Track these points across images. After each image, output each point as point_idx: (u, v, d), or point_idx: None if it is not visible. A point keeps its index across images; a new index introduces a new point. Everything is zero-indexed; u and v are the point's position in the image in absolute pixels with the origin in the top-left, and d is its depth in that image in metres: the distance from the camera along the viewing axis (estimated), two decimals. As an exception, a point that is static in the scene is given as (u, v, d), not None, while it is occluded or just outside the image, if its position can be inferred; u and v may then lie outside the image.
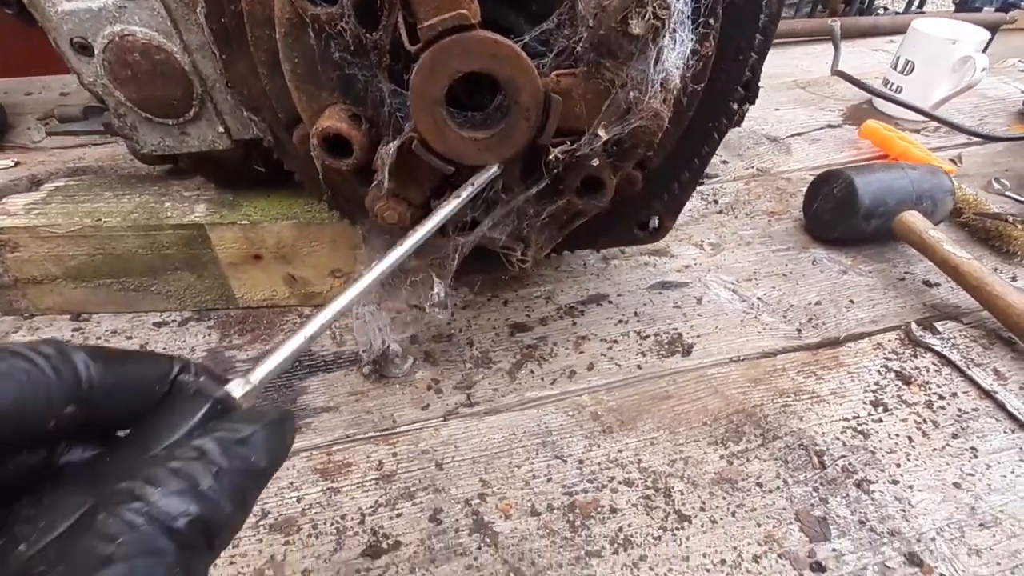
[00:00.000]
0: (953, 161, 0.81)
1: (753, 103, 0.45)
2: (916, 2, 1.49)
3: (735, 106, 0.38)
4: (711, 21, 0.32)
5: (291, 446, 0.19)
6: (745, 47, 0.35)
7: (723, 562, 0.36)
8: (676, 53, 0.31)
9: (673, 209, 0.50)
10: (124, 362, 0.18)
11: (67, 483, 0.16)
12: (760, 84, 0.45)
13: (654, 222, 0.50)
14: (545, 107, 0.30)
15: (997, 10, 1.41)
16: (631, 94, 0.30)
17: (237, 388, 0.18)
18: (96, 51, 0.42)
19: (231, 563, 0.36)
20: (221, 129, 0.46)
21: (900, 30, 1.02)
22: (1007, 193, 0.74)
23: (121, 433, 0.18)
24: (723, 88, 0.37)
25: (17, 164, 0.77)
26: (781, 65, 1.12)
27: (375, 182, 0.33)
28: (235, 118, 0.45)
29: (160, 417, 0.18)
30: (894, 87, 0.91)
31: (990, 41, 1.55)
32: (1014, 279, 0.61)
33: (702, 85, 0.35)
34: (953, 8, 1.47)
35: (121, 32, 0.41)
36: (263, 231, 0.49)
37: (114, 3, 0.40)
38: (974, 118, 0.94)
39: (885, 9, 1.51)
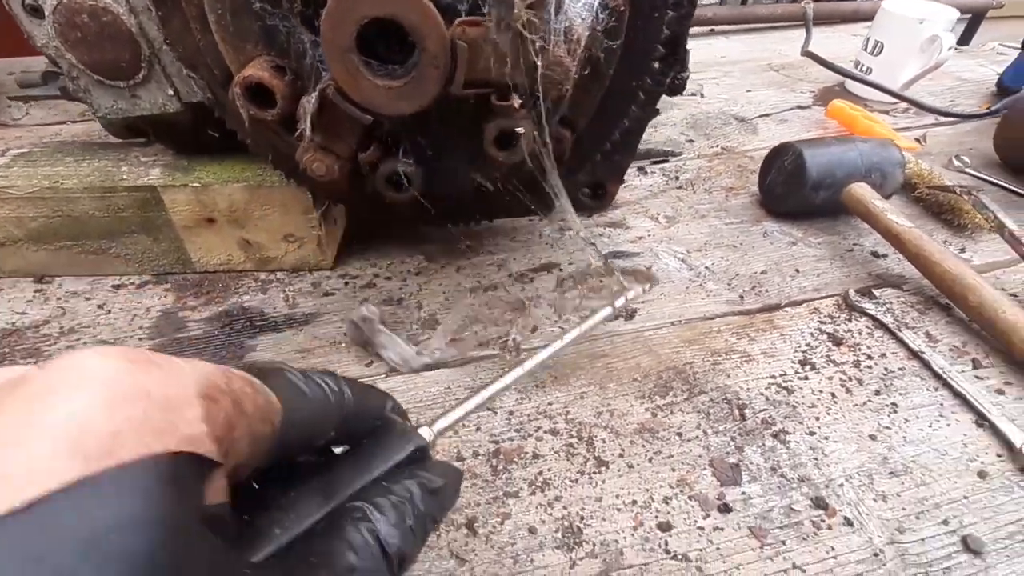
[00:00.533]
0: (918, 140, 0.82)
1: (683, 68, 0.46)
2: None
3: (656, 65, 0.39)
4: (619, -26, 0.33)
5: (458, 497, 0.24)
6: (660, 3, 0.36)
7: (634, 502, 0.37)
8: (581, 4, 0.32)
9: (616, 173, 0.52)
10: (366, 394, 0.23)
11: (299, 478, 0.20)
12: (688, 48, 0.46)
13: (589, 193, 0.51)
14: (453, 56, 0.31)
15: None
16: (536, 43, 0.31)
17: (426, 433, 0.24)
18: (47, 13, 0.43)
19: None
20: (171, 92, 0.48)
21: (877, 13, 1.03)
22: (966, 170, 0.74)
23: (337, 450, 0.22)
24: (642, 46, 0.38)
25: (-7, 139, 0.78)
26: (758, 49, 1.12)
27: (297, 132, 0.35)
28: (183, 80, 0.46)
29: (375, 447, 0.22)
30: (864, 68, 0.92)
31: (976, 27, 1.55)
32: (963, 251, 0.61)
33: (619, 42, 0.37)
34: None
35: (68, -6, 0.42)
36: (215, 194, 0.51)
37: (60, -35, 0.41)
38: (945, 99, 0.95)
39: (870, -5, 1.51)
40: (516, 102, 0.33)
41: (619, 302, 0.44)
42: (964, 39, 1.51)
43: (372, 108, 0.33)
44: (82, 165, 0.53)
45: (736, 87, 0.97)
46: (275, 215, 0.53)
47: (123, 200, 0.51)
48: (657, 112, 0.58)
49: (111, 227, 0.53)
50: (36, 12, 0.43)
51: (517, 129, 0.35)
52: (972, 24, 1.49)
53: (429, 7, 0.29)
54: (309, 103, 0.34)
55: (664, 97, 0.99)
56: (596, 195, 0.53)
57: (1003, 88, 0.93)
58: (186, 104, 0.48)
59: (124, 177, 0.51)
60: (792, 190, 0.62)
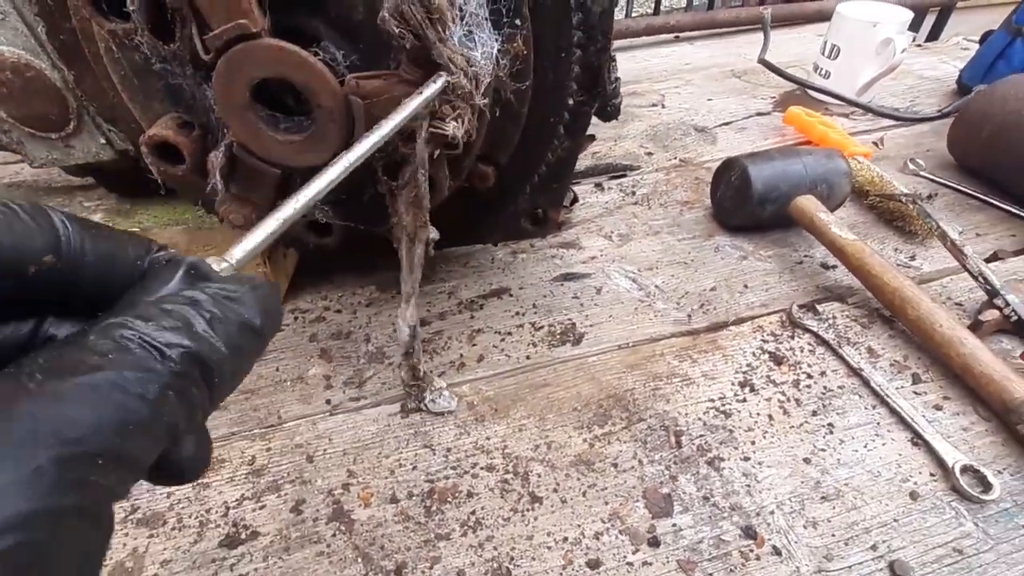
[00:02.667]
0: (875, 143, 0.82)
1: (609, 98, 0.46)
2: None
3: (572, 101, 0.40)
4: (517, 22, 0.33)
5: (282, 314, 0.19)
6: (566, 45, 0.36)
7: (565, 539, 0.38)
8: (480, 52, 0.32)
9: (555, 201, 0.52)
10: (105, 234, 0.18)
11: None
12: (618, 76, 0.46)
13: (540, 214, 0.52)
14: (349, 110, 0.31)
15: (952, -11, 1.40)
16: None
17: (214, 263, 0.18)
18: (-30, 70, 0.43)
19: (94, 556, 0.37)
20: (103, 141, 0.48)
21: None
22: (921, 173, 0.74)
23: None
24: (554, 84, 0.38)
25: (-50, 182, 0.78)
26: (722, 55, 1.13)
27: (208, 186, 0.35)
28: (111, 131, 0.46)
29: (138, 288, 0.17)
30: (823, 72, 0.92)
31: (945, 21, 1.55)
32: (913, 258, 0.62)
33: (528, 83, 0.37)
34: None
35: (-12, 51, 0.42)
36: (155, 236, 0.50)
37: (-22, 25, 0.41)
38: (907, 98, 0.95)
39: (837, -7, 1.51)
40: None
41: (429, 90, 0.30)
42: (934, 33, 1.51)
43: (277, 161, 0.33)
44: (24, 213, 0.53)
45: (697, 95, 0.98)
46: (218, 254, 0.53)
47: (64, 248, 0.51)
48: (592, 139, 0.59)
49: (55, 274, 0.53)
50: (-40, 70, 0.44)
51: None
52: (941, 18, 1.50)
53: (316, 65, 0.29)
54: (217, 158, 0.34)
55: (627, 110, 0.99)
56: (538, 222, 0.53)
57: (962, 86, 0.93)
58: (120, 151, 0.48)
59: (64, 225, 0.51)
60: (740, 205, 0.62)
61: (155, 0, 0.28)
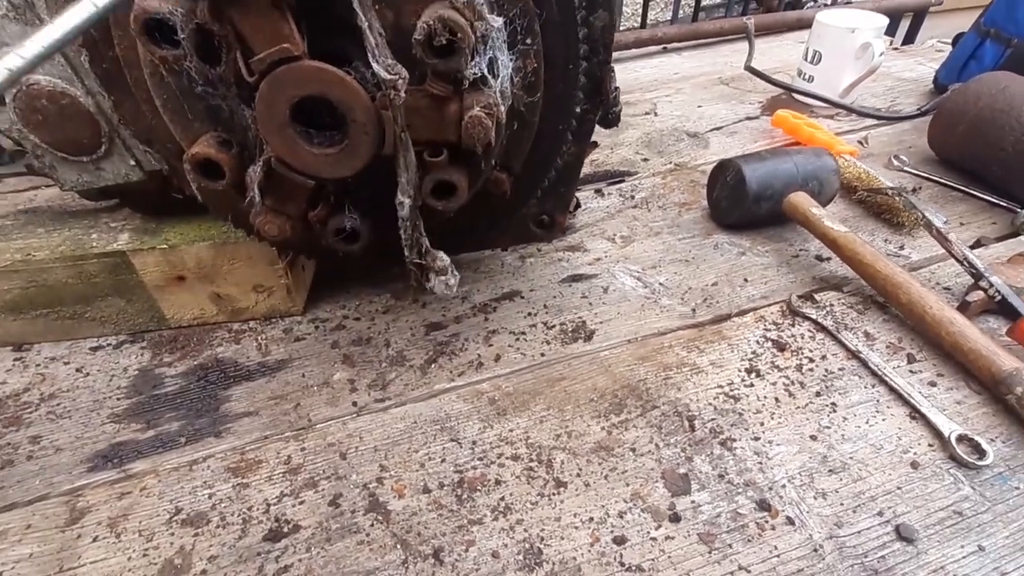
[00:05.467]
0: (860, 142, 0.86)
1: (610, 106, 0.49)
2: (844, -7, 1.54)
3: (579, 109, 0.43)
4: (528, 40, 0.36)
5: None
6: (573, 57, 0.39)
7: (591, 519, 0.40)
8: (500, 71, 0.35)
9: (562, 205, 0.55)
10: None
11: None
12: (617, 86, 0.49)
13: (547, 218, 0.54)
14: (380, 123, 0.34)
15: (925, -6, 1.46)
16: (452, 107, 0.34)
17: None
18: (7, 100, 0.46)
19: (144, 555, 0.39)
20: (132, 162, 0.50)
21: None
22: (905, 168, 0.78)
23: None
24: (562, 95, 0.41)
25: (-31, 209, 0.80)
26: (709, 64, 1.17)
27: (247, 199, 0.37)
28: (142, 152, 0.49)
29: None
30: (807, 76, 0.96)
31: (919, 25, 1.61)
32: (902, 248, 0.65)
33: (539, 95, 0.40)
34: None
35: (28, 82, 0.45)
36: (183, 253, 0.53)
37: (18, 57, 0.44)
38: (887, 99, 0.99)
39: (815, 1, 1.57)
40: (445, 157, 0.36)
41: None
42: (909, 37, 1.57)
43: (313, 173, 0.36)
44: (53, 235, 0.55)
45: (688, 103, 1.01)
46: (242, 268, 0.55)
47: (94, 266, 0.53)
48: (595, 145, 0.62)
49: (85, 292, 0.55)
50: (-2, 100, 0.46)
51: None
52: (915, 22, 1.56)
53: (350, 83, 0.32)
54: (255, 172, 0.36)
55: (621, 119, 1.03)
56: (545, 226, 0.56)
57: (939, 85, 0.98)
58: (148, 172, 0.51)
59: (94, 244, 0.53)
60: (736, 204, 0.65)
61: (203, 29, 0.31)
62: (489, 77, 0.34)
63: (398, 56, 0.33)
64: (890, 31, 1.50)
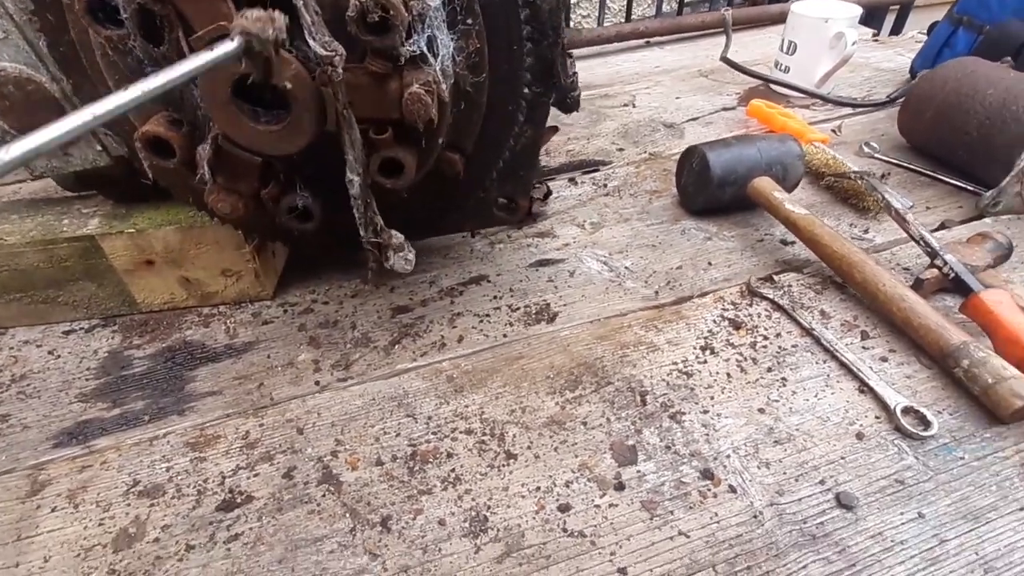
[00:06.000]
0: (834, 131, 0.86)
1: (567, 90, 0.50)
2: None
3: (528, 90, 0.43)
4: (469, 20, 0.37)
5: None
6: (517, 38, 0.40)
7: (538, 489, 0.41)
8: (443, 55, 0.36)
9: (523, 188, 0.56)
10: None
11: None
12: (575, 71, 0.50)
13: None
14: (321, 100, 0.35)
15: (911, -14, 1.46)
16: (392, 84, 0.35)
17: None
18: (-25, 87, 0.47)
19: (100, 524, 0.40)
20: (99, 148, 0.51)
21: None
22: (875, 156, 0.79)
23: None
24: (508, 75, 0.42)
25: (-47, 202, 0.82)
26: (689, 57, 1.18)
27: (197, 176, 0.38)
28: (105, 135, 0.50)
29: None
30: (783, 67, 0.97)
31: (906, 17, 1.61)
32: (867, 231, 0.65)
33: (484, 75, 0.41)
34: (867, -10, 1.53)
35: (-8, 68, 0.46)
36: (150, 237, 0.54)
37: (-17, 44, 0.45)
38: (863, 89, 1.00)
39: (800, -4, 1.58)
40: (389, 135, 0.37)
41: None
42: (896, 29, 1.58)
43: (258, 150, 0.37)
44: (25, 221, 0.56)
45: (666, 95, 1.02)
46: (210, 252, 0.56)
47: (64, 250, 0.54)
48: (555, 130, 0.63)
49: (56, 277, 0.56)
50: (-34, 86, 0.47)
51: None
52: (902, 14, 1.56)
53: (289, 59, 0.33)
54: (205, 150, 0.37)
55: (599, 111, 1.04)
56: (508, 209, 0.57)
57: (915, 74, 0.98)
58: (116, 157, 0.52)
59: (64, 229, 0.54)
60: (701, 189, 0.66)
61: (145, 8, 0.32)
62: (429, 55, 0.35)
63: (338, 35, 0.34)
64: (875, 25, 1.50)
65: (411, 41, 0.34)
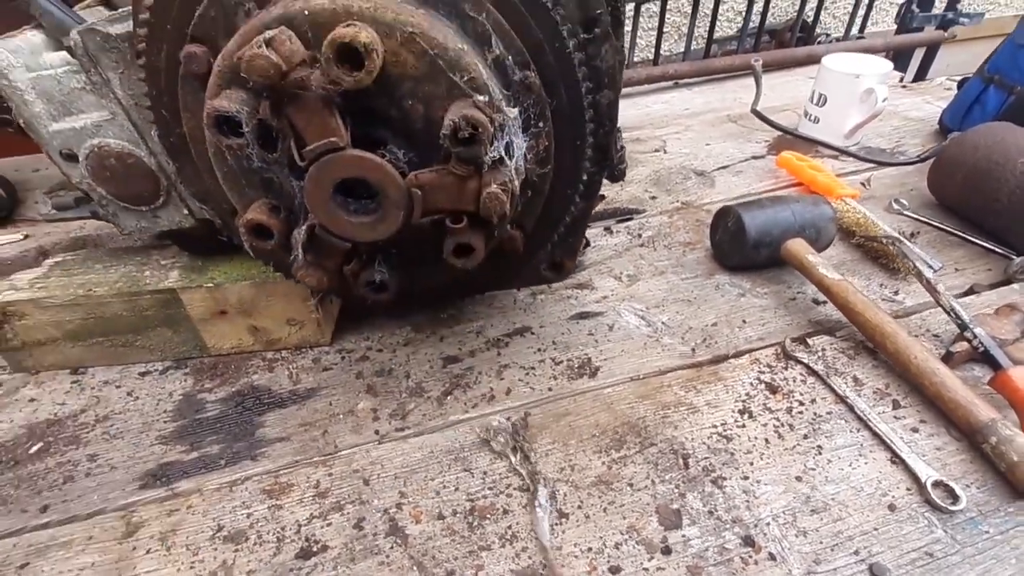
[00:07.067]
0: (863, 184, 0.89)
1: (616, 164, 0.54)
2: (857, 27, 1.58)
3: (586, 176, 0.47)
4: (540, 124, 0.41)
5: None
6: (580, 135, 0.44)
7: (590, 549, 0.44)
8: (517, 156, 0.40)
9: (569, 252, 0.60)
10: None
11: None
12: (623, 145, 0.54)
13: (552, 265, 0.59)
14: (410, 198, 0.39)
15: (936, 28, 1.49)
16: (472, 184, 0.39)
17: None
18: (80, 159, 0.52)
19: (191, 567, 0.44)
20: (186, 212, 0.56)
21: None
22: (905, 212, 0.81)
23: None
24: (570, 165, 0.46)
25: (26, 237, 0.88)
26: (717, 100, 1.21)
27: (292, 256, 0.43)
28: (195, 203, 0.55)
29: None
30: (812, 117, 1.00)
31: (931, 60, 1.63)
32: (896, 293, 0.68)
33: (550, 167, 0.45)
34: (894, 30, 1.56)
35: (99, 144, 0.51)
36: (226, 291, 0.59)
37: (92, 122, 0.50)
38: (892, 139, 1.02)
39: (827, 36, 1.61)
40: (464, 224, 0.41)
41: None
42: (921, 73, 1.60)
43: (349, 238, 0.41)
44: (110, 272, 0.61)
45: (696, 141, 1.06)
46: (278, 304, 0.61)
47: (147, 301, 0.59)
48: (603, 198, 0.66)
49: (137, 324, 0.61)
50: (71, 158, 0.52)
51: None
52: (927, 56, 1.58)
53: (385, 167, 0.37)
54: (299, 234, 0.42)
55: (631, 156, 1.07)
56: (555, 269, 0.60)
57: (943, 126, 1.01)
58: (199, 220, 0.57)
59: (147, 281, 0.59)
60: (736, 249, 0.69)
61: (263, 122, 0.36)
62: (506, 158, 0.39)
63: (427, 140, 0.38)
64: (903, 64, 1.53)
65: (492, 148, 0.38)
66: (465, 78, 0.36)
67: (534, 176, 0.44)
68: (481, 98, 0.36)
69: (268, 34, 0.32)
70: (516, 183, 0.40)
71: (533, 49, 0.39)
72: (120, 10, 0.48)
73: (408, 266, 0.47)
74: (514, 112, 0.38)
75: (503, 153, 0.38)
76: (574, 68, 0.40)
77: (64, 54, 0.50)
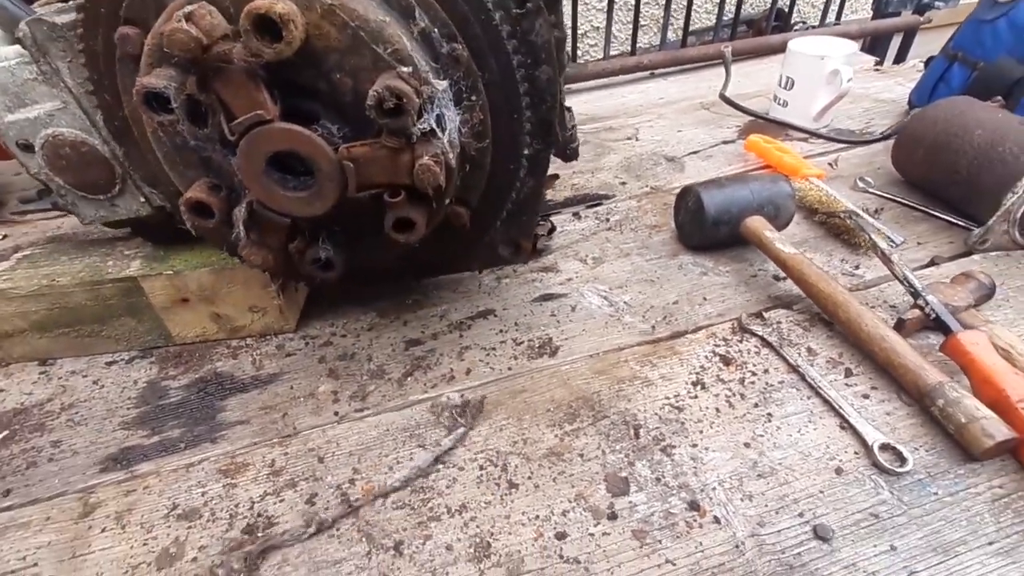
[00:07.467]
0: (830, 164, 0.89)
1: (566, 143, 0.55)
2: (833, 15, 1.59)
3: (528, 151, 0.48)
4: (473, 97, 0.42)
5: None
6: (517, 107, 0.45)
7: (537, 517, 0.44)
8: (450, 128, 0.41)
9: (526, 232, 0.60)
10: None
11: None
12: (575, 123, 0.55)
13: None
14: (342, 171, 0.40)
15: (912, 13, 1.50)
16: (405, 156, 0.39)
17: None
18: (36, 148, 0.53)
19: (144, 544, 0.45)
20: (142, 200, 0.57)
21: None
22: (869, 190, 0.82)
23: None
24: (510, 141, 0.47)
25: (5, 237, 0.89)
26: (692, 89, 1.22)
27: (234, 235, 0.43)
28: (149, 191, 0.56)
29: None
30: (781, 101, 1.01)
31: (909, 44, 1.64)
32: (857, 267, 0.68)
33: (487, 141, 0.45)
34: (870, 15, 1.57)
35: (54, 133, 0.52)
36: (186, 278, 0.60)
37: (46, 112, 0.51)
38: (862, 121, 1.02)
39: (804, 24, 1.61)
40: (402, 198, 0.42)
41: None
42: (899, 59, 1.60)
43: (286, 213, 0.42)
44: (75, 263, 0.62)
45: (669, 128, 1.06)
46: (239, 291, 0.61)
47: (109, 291, 0.60)
48: (556, 177, 0.67)
49: (101, 313, 0.62)
50: (28, 148, 0.53)
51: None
52: (905, 41, 1.58)
53: (314, 138, 0.38)
54: (240, 212, 0.42)
55: (603, 143, 1.08)
56: (514, 250, 0.61)
57: (912, 106, 1.01)
58: (156, 208, 0.57)
59: (110, 271, 0.60)
60: (697, 228, 0.70)
61: (191, 97, 0.37)
62: (437, 130, 0.40)
63: (358, 114, 0.39)
64: (880, 50, 1.53)
65: (421, 120, 0.39)
66: (389, 50, 0.37)
67: (472, 150, 0.44)
68: (405, 69, 0.37)
69: (188, 8, 0.33)
70: (451, 155, 0.41)
71: (459, 22, 0.40)
72: (69, 2, 0.49)
73: (353, 243, 0.48)
74: (443, 84, 0.39)
75: (434, 125, 0.39)
76: (502, 40, 0.41)
77: (18, 47, 0.51)
